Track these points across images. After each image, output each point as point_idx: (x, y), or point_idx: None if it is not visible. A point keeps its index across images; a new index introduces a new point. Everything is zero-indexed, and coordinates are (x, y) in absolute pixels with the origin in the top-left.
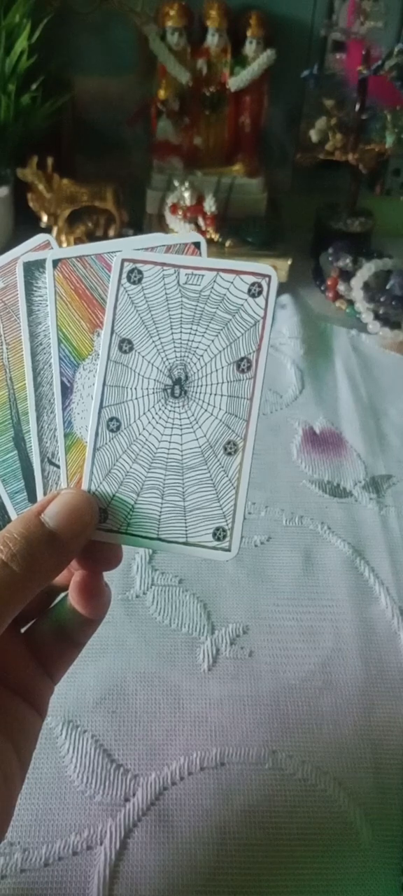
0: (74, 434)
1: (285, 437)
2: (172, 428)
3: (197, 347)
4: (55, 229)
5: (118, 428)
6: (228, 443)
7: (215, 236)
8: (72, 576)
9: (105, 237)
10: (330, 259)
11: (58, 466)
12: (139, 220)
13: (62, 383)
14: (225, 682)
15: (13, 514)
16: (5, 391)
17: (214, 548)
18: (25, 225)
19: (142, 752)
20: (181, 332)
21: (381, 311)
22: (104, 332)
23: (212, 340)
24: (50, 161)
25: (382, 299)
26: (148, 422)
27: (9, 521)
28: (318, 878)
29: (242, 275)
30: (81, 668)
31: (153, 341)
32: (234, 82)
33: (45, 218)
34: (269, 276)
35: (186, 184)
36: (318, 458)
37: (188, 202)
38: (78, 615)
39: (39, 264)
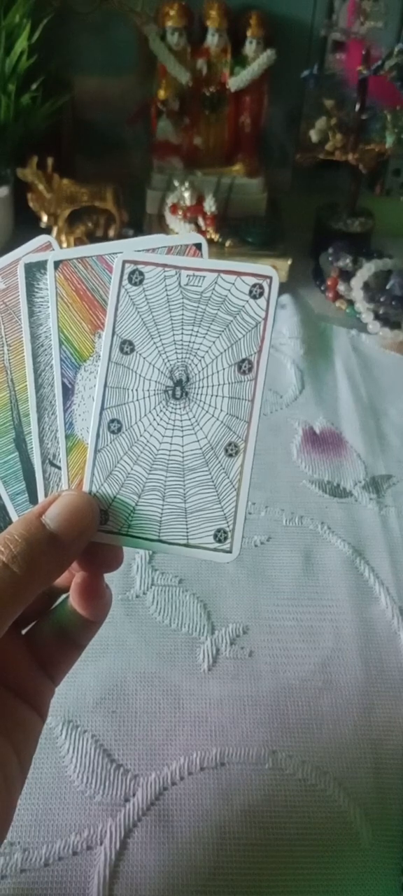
0: (75, 436)
1: (285, 437)
2: (173, 429)
3: (198, 349)
4: (55, 229)
5: (119, 429)
6: (229, 444)
7: (215, 236)
8: (72, 577)
9: (105, 237)
10: (330, 259)
11: (59, 468)
12: (139, 221)
13: (63, 385)
14: (225, 682)
15: (14, 516)
16: (6, 393)
17: (215, 549)
18: (25, 225)
19: (142, 752)
20: (182, 333)
21: (381, 311)
22: (105, 333)
23: (214, 342)
24: (50, 161)
25: (382, 299)
26: (149, 423)
27: (10, 522)
28: (318, 878)
29: (243, 276)
30: (81, 669)
31: (154, 343)
32: (234, 82)
33: (45, 218)
34: (270, 278)
35: (186, 184)
36: (318, 458)
37: (188, 202)
38: (78, 617)
39: (41, 266)
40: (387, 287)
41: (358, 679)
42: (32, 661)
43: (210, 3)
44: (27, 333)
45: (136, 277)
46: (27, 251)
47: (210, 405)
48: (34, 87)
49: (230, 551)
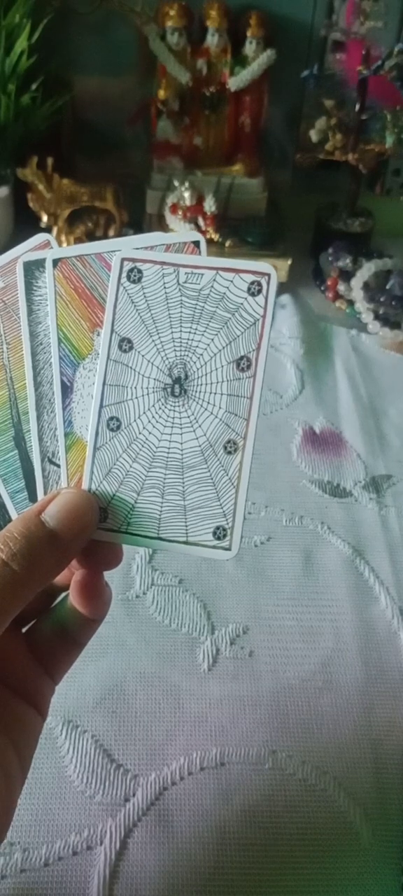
0: (74, 433)
1: (285, 437)
2: (172, 427)
3: (196, 346)
4: (55, 229)
5: (118, 427)
6: (228, 441)
7: (215, 236)
8: (72, 575)
9: (105, 237)
10: (330, 259)
11: (58, 466)
12: (139, 220)
13: (62, 383)
14: (225, 682)
15: (14, 514)
16: (5, 391)
17: (214, 547)
18: (25, 225)
19: (142, 752)
20: (181, 330)
21: (381, 311)
22: (104, 331)
23: (212, 339)
24: (50, 161)
25: (382, 299)
26: (148, 421)
27: (9, 520)
28: (318, 878)
29: (242, 273)
30: (81, 669)
31: (153, 340)
32: (234, 82)
33: (45, 218)
34: (269, 275)
35: (186, 184)
36: (318, 458)
37: (188, 202)
38: (78, 615)
39: (39, 264)
40: (387, 287)
41: (358, 679)
42: (32, 660)
43: (210, 3)
44: (26, 331)
45: (135, 275)
46: (26, 249)
47: (208, 402)
48: (34, 87)
49: (229, 549)
